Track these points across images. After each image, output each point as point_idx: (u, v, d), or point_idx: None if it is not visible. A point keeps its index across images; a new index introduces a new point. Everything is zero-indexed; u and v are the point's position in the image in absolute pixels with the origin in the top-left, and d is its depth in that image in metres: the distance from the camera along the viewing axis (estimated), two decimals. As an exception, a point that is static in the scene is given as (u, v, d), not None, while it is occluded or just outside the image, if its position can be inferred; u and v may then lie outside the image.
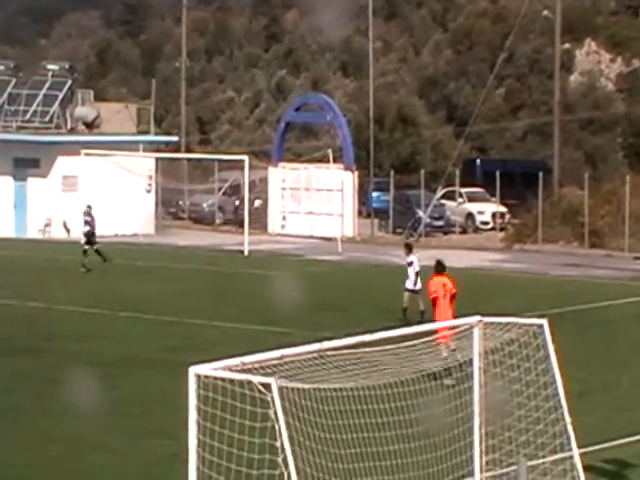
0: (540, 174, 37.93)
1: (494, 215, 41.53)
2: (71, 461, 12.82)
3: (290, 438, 7.99)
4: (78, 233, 38.23)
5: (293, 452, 7.97)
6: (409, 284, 21.05)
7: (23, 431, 14.06)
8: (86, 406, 15.32)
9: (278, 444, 7.87)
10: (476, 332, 10.02)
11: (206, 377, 8.20)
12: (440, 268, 17.15)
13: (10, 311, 23.07)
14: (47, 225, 40.69)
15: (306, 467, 8.56)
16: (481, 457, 9.98)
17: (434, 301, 16.72)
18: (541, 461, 10.39)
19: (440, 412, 10.06)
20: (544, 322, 10.39)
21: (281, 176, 42.72)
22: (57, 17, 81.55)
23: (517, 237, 38.84)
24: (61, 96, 41.93)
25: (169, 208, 47.43)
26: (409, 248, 21.54)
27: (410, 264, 21.15)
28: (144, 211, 42.21)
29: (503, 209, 41.30)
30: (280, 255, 35.37)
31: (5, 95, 42.59)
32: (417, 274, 20.98)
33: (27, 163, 41.07)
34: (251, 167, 37.73)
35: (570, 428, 10.15)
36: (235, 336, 19.62)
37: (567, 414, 10.19)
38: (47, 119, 41.70)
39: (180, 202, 47.50)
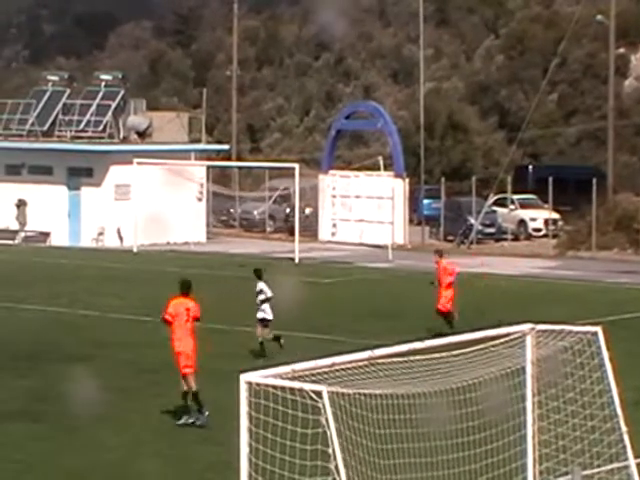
0: (594, 180, 37.48)
1: (547, 222, 41.11)
2: (124, 467, 12.91)
3: (340, 445, 7.94)
4: (131, 241, 38.62)
5: (344, 460, 7.92)
6: (262, 314, 18.72)
7: (77, 437, 14.19)
8: (136, 413, 15.42)
9: (330, 451, 7.83)
10: (529, 340, 9.90)
11: (257, 385, 8.19)
12: (185, 288, 14.91)
13: (63, 319, 23.33)
14: (100, 234, 41.12)
15: (354, 476, 8.50)
16: (535, 466, 9.85)
17: (169, 324, 14.74)
18: (596, 470, 10.22)
19: (492, 420, 9.95)
20: (598, 330, 10.25)
21: (331, 184, 42.72)
22: (111, 28, 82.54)
23: (570, 244, 38.40)
24: (114, 106, 42.39)
25: (220, 216, 47.69)
26: (258, 275, 18.87)
27: (259, 292, 18.72)
28: (195, 219, 42.47)
29: (556, 216, 40.87)
30: (330, 262, 35.34)
31: (60, 105, 43.18)
32: (266, 301, 18.72)
33: (81, 172, 41.56)
34: (301, 175, 37.78)
35: (626, 437, 9.98)
36: (285, 344, 19.62)
37: (623, 423, 10.02)
38: (100, 129, 42.18)
39: (231, 210, 47.73)
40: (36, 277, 30.24)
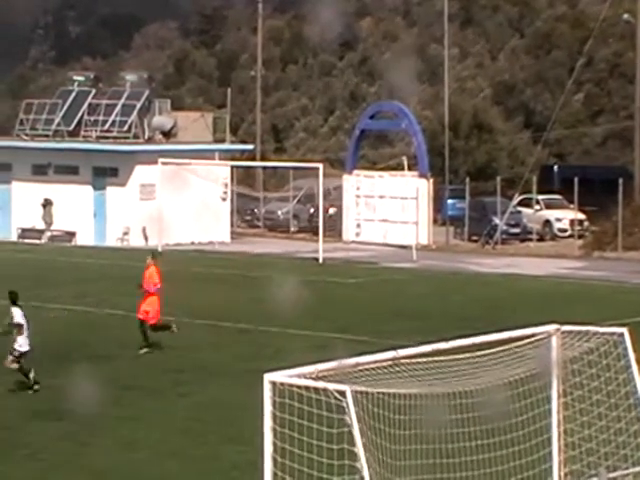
0: (620, 180, 37.22)
1: (572, 222, 40.86)
2: (150, 467, 12.94)
3: (364, 445, 7.91)
4: (156, 241, 38.74)
5: (367, 459, 7.90)
6: (19, 346, 16.55)
7: (102, 437, 14.24)
8: (161, 412, 15.46)
9: (356, 450, 7.81)
10: (554, 341, 9.82)
11: (281, 384, 8.18)
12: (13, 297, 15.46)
13: (90, 318, 23.43)
14: (125, 233, 41.27)
15: (378, 476, 8.48)
16: (561, 468, 9.78)
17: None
18: (624, 472, 10.13)
19: (516, 422, 9.89)
20: (625, 331, 10.15)
21: (356, 184, 42.68)
22: (136, 29, 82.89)
23: (596, 244, 38.15)
24: (139, 106, 42.54)
25: (244, 216, 47.75)
26: (13, 299, 16.58)
27: (11, 323, 16.42)
28: (220, 219, 42.56)
29: (582, 216, 40.61)
30: (354, 263, 35.31)
31: (85, 105, 43.38)
32: (19, 330, 16.48)
33: (106, 172, 41.74)
34: (326, 175, 37.74)
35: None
36: (309, 344, 19.61)
37: (649, 425, 9.92)
38: (125, 129, 42.34)
39: (255, 210, 47.79)
40: (62, 277, 30.40)
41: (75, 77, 45.52)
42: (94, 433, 14.34)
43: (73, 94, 44.15)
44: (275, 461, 8.21)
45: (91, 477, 12.59)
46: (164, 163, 38.99)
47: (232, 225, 44.19)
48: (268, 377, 8.18)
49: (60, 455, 13.42)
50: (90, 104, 43.22)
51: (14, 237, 43.03)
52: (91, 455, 13.39)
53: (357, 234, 42.43)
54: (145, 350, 19.32)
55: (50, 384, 17.08)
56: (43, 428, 14.64)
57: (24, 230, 42.86)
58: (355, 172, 43.08)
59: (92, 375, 17.75)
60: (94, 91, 44.04)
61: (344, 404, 7.75)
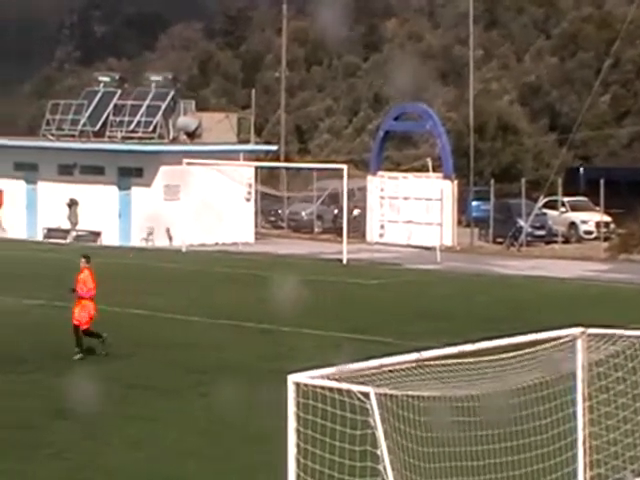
0: (646, 182, 36.96)
1: (598, 224, 40.60)
2: (166, 467, 12.94)
3: (388, 447, 7.88)
4: (180, 241, 38.84)
5: (391, 462, 7.87)
6: None
7: (114, 436, 14.26)
8: (179, 412, 15.47)
9: (379, 452, 7.78)
10: (579, 344, 9.75)
11: (305, 385, 8.16)
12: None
13: (113, 318, 23.51)
14: (150, 233, 41.42)
15: (401, 478, 8.44)
16: (586, 471, 9.70)
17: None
18: (648, 477, 10.03)
19: (541, 425, 9.82)
20: (651, 334, 10.05)
21: (380, 185, 42.61)
22: (161, 29, 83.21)
23: (622, 247, 37.88)
24: (164, 106, 42.68)
25: (268, 217, 47.78)
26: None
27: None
28: (244, 220, 42.62)
29: (607, 218, 40.35)
30: (378, 264, 35.25)
31: (111, 106, 43.57)
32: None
33: (131, 172, 41.90)
34: (350, 176, 37.70)
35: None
36: (333, 345, 19.59)
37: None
38: (150, 129, 42.49)
39: (279, 211, 47.81)
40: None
41: (101, 78, 45.76)
42: (111, 433, 14.36)
43: (99, 95, 44.36)
44: (298, 462, 8.19)
45: (107, 477, 12.60)
46: (189, 164, 39.08)
47: (256, 226, 44.23)
48: (292, 378, 8.16)
49: (84, 454, 13.46)
50: (115, 105, 43.41)
51: (40, 237, 43.28)
52: (107, 455, 13.41)
53: (381, 235, 42.35)
54: (79, 356, 18.71)
55: (70, 382, 17.12)
56: (66, 427, 14.69)
57: (50, 230, 43.10)
58: (379, 173, 43.01)
59: (113, 375, 17.79)
60: (119, 92, 44.24)
61: (368, 406, 7.73)
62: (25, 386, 17.03)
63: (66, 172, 43.07)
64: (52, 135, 44.55)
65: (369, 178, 43.16)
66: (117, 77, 45.90)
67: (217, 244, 40.90)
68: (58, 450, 13.56)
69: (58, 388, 16.77)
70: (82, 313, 18.81)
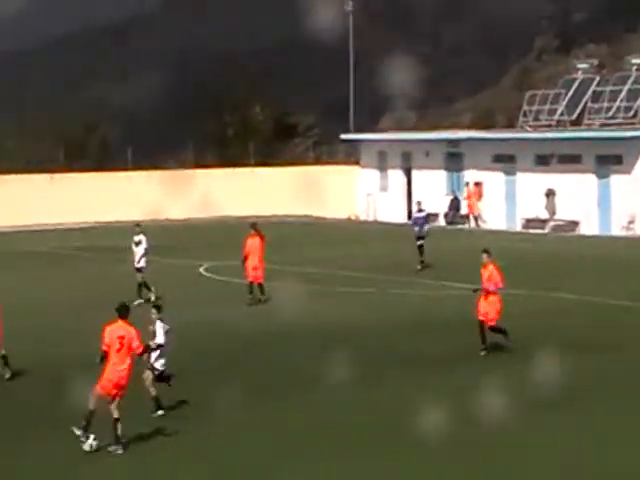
0: None
1: None
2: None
3: None
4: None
5: None
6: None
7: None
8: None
9: None
10: None
11: None
12: (123, 312, 13.34)
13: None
14: (630, 222, 39.96)
15: None
16: None
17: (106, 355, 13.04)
18: None
19: None
20: None
21: None
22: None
23: None
24: (646, 90, 40.94)
25: None
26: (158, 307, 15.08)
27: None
28: None
29: None
30: None
31: (589, 93, 42.79)
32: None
33: (610, 160, 40.73)
34: None
35: None
36: None
37: None
38: (631, 114, 41.00)
39: None
40: (565, 266, 30.17)
41: (579, 65, 45.21)
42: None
43: (576, 82, 43.78)
44: None
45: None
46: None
47: None
48: None
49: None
50: (594, 91, 42.55)
51: (518, 227, 43.76)
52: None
53: None
54: (485, 352, 17.69)
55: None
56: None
57: (528, 220, 43.41)
58: None
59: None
60: (598, 78, 43.28)
61: None
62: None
63: (543, 162, 43.05)
64: (529, 126, 44.82)
65: None
66: (595, 63, 44.99)
67: None
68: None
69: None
70: (489, 308, 18.05)
